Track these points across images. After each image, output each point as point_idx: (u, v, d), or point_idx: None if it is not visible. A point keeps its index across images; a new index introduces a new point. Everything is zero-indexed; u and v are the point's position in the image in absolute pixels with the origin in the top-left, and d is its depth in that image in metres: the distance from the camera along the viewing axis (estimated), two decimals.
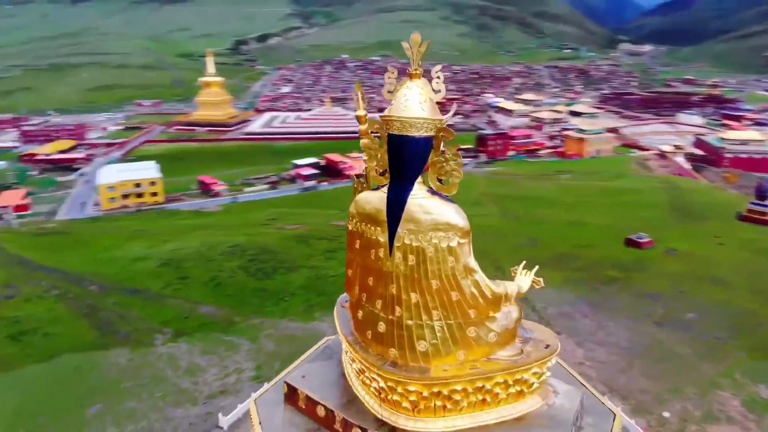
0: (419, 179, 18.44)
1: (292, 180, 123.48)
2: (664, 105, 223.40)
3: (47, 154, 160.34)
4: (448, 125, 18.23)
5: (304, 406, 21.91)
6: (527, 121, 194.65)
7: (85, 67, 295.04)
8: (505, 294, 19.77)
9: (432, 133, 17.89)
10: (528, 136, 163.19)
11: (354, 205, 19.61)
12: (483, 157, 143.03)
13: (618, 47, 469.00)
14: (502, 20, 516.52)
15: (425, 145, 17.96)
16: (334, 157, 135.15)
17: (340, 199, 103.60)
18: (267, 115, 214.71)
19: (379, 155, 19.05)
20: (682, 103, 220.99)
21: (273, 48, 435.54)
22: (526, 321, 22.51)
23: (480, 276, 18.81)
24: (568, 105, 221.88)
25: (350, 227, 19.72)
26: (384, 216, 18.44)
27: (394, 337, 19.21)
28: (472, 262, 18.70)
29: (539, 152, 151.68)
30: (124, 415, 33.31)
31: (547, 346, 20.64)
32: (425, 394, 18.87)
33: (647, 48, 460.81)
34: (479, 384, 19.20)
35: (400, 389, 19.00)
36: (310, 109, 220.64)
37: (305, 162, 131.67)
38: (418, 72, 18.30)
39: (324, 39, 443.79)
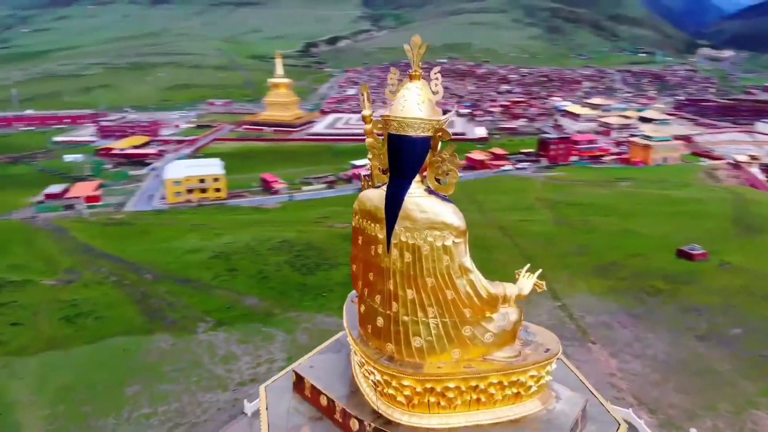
0: (418, 178, 18.79)
1: (349, 180, 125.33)
2: (743, 113, 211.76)
3: (122, 149, 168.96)
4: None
5: (309, 395, 22.67)
6: (594, 126, 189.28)
7: (162, 67, 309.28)
8: (503, 296, 19.81)
9: (429, 134, 18.22)
10: (592, 142, 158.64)
11: (357, 202, 20.20)
12: (544, 162, 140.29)
13: (697, 52, 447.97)
14: (574, 23, 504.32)
15: (422, 145, 18.30)
16: None
17: None
18: (331, 117, 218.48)
19: (382, 154, 19.56)
20: (761, 111, 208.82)
21: (342, 50, 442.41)
22: (531, 324, 22.49)
23: (476, 276, 18.96)
24: (639, 111, 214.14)
25: (354, 223, 20.33)
26: (383, 213, 18.92)
27: (391, 332, 19.67)
28: (468, 262, 18.87)
29: (603, 158, 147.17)
30: (158, 396, 35.13)
31: (547, 350, 20.52)
32: (418, 389, 19.21)
33: (728, 53, 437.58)
34: (473, 383, 19.37)
35: (394, 383, 19.43)
36: (373, 111, 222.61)
37: (362, 162, 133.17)
38: (418, 73, 18.66)
39: (392, 41, 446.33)
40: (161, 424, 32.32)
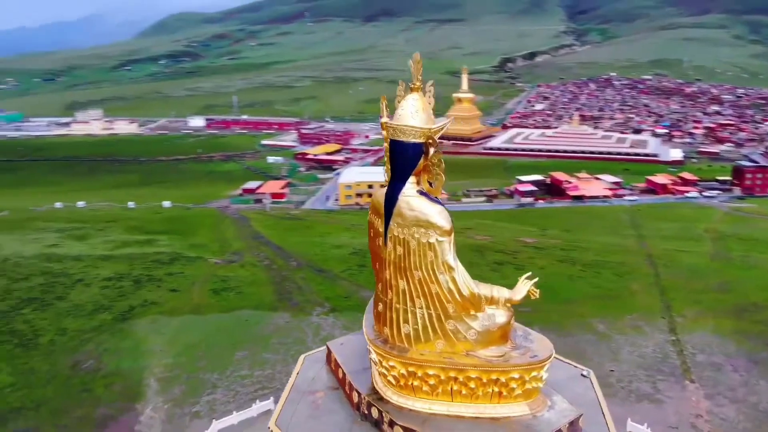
0: (414, 180, 20.77)
1: (511, 195, 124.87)
2: None
3: (315, 155, 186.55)
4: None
5: (333, 368, 25.62)
6: None
7: (363, 81, 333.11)
8: (490, 297, 20.89)
9: (421, 140, 20.17)
10: None
11: (371, 199, 22.72)
12: (737, 191, 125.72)
13: None
14: None
15: (414, 150, 20.30)
16: (559, 175, 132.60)
17: (550, 218, 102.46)
18: (512, 131, 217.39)
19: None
20: None
21: (538, 66, 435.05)
22: (533, 332, 22.94)
23: (459, 274, 20.39)
24: None
25: (368, 218, 22.86)
26: (383, 209, 21.25)
27: (386, 318, 21.87)
28: (452, 260, 20.38)
29: None
30: (259, 362, 40.60)
31: (534, 357, 21.00)
32: (402, 371, 21.14)
33: None
34: (452, 374, 20.74)
35: (384, 363, 21.58)
36: (556, 127, 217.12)
37: (528, 179, 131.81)
38: (417, 86, 20.74)
39: (593, 57, 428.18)
40: (252, 385, 37.53)
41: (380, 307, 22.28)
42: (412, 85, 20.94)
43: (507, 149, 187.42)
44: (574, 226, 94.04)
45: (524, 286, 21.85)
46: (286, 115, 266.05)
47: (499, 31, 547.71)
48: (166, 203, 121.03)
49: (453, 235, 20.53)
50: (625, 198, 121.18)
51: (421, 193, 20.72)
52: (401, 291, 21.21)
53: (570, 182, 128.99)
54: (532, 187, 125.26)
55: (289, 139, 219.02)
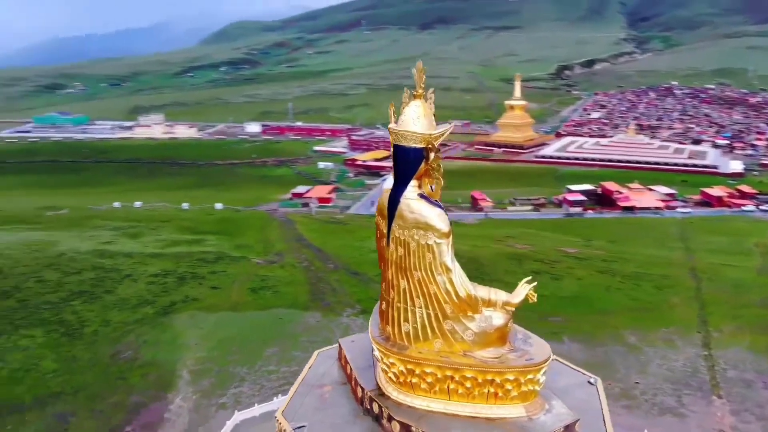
0: (416, 183, 21.49)
1: (559, 204, 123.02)
2: None
3: (364, 161, 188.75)
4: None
5: (343, 364, 26.54)
6: None
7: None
8: (487, 299, 21.37)
9: (421, 145, 20.89)
10: None
11: (379, 201, 23.56)
12: None
13: None
14: None
15: (415, 155, 21.04)
16: (610, 185, 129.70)
17: (596, 228, 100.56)
18: (565, 140, 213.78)
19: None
20: None
21: (597, 73, 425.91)
22: (533, 335, 23.18)
23: (456, 276, 21.00)
24: None
25: (375, 219, 23.71)
26: (387, 211, 22.08)
27: (389, 316, 22.65)
28: (450, 262, 21.01)
29: None
30: (287, 359, 42.00)
31: (529, 360, 21.29)
32: (402, 368, 21.86)
33: None
34: (448, 372, 21.32)
35: (385, 359, 22.34)
36: (612, 136, 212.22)
37: (578, 188, 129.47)
38: (420, 93, 21.50)
39: (654, 65, 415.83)
40: (277, 380, 38.92)
41: (383, 305, 23.09)
42: (415, 93, 21.72)
43: (559, 158, 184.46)
44: (620, 237, 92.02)
45: (523, 290, 22.18)
46: (339, 122, 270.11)
47: (556, 38, 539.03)
48: (218, 205, 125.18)
49: (451, 237, 21.13)
50: (678, 210, 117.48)
51: (422, 196, 21.42)
52: (402, 290, 21.95)
53: (621, 193, 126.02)
54: (581, 197, 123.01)
55: (340, 146, 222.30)
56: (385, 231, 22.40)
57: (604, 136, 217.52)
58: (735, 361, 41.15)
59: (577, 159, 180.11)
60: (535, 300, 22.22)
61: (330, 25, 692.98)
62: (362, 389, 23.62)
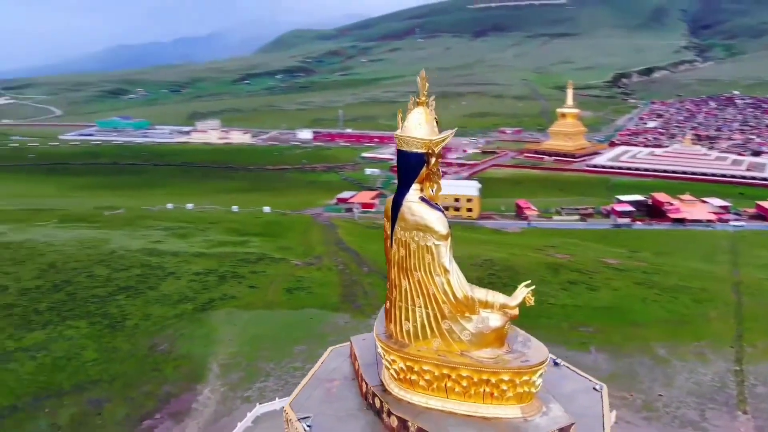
0: (418, 186, 22.29)
1: (607, 215, 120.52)
2: None
3: None
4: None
5: (353, 360, 27.52)
6: None
7: (466, 96, 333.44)
8: (485, 301, 21.94)
9: (422, 150, 21.70)
10: None
11: (385, 203, 24.50)
12: None
13: None
14: None
15: (416, 159, 21.86)
16: (661, 196, 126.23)
17: (643, 240, 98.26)
18: (619, 149, 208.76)
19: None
20: None
21: (655, 81, 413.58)
22: (533, 338, 23.53)
23: (454, 277, 21.71)
24: None
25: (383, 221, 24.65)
26: (390, 213, 23.00)
27: (391, 314, 23.52)
28: (448, 264, 21.75)
29: None
30: (312, 357, 43.01)
31: (525, 362, 21.71)
32: (401, 365, 22.68)
33: None
34: (445, 371, 22.01)
35: (386, 356, 23.20)
36: (668, 146, 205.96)
37: (628, 198, 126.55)
38: (423, 100, 22.34)
39: (716, 73, 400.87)
40: (301, 376, 39.82)
41: (387, 304, 23.99)
42: (418, 100, 22.58)
43: (611, 167, 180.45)
44: (667, 249, 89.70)
45: (521, 293, 22.68)
46: (388, 129, 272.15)
47: (614, 45, 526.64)
48: (266, 209, 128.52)
49: (450, 239, 21.84)
50: (730, 223, 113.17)
51: (423, 199, 22.25)
52: (403, 290, 22.80)
53: (672, 204, 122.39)
54: (630, 208, 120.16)
55: (387, 152, 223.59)
56: (388, 231, 23.35)
57: (659, 146, 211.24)
58: (765, 377, 39.81)
59: (629, 169, 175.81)
60: (533, 303, 22.67)
61: (384, 34, 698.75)
62: (366, 384, 24.55)
